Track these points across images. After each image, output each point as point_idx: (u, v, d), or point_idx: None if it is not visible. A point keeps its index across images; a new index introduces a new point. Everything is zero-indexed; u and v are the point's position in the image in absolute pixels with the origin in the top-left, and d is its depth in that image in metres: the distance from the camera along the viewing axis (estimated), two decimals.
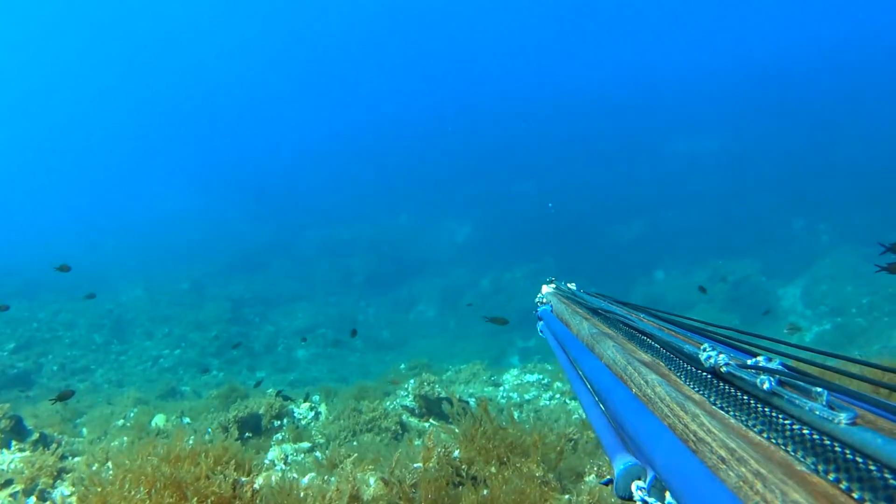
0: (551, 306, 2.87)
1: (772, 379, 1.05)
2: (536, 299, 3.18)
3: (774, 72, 57.26)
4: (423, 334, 28.90)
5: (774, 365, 1.12)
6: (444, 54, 74.35)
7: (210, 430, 10.02)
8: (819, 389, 0.97)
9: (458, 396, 10.20)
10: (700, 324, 1.81)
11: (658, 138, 50.49)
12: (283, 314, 29.65)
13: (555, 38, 71.19)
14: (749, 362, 1.17)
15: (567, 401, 12.93)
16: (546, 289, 3.27)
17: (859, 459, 0.79)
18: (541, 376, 14.47)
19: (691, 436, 1.03)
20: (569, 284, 3.37)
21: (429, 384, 11.49)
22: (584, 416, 11.50)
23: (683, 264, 31.68)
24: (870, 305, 23.16)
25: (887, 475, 0.74)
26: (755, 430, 1.01)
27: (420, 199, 46.31)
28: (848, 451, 0.82)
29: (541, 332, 2.79)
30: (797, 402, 0.98)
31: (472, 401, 12.55)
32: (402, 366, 16.78)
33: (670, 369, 1.43)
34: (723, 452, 0.92)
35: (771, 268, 28.60)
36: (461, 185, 48.72)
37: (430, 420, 11.11)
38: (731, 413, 1.10)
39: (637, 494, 1.13)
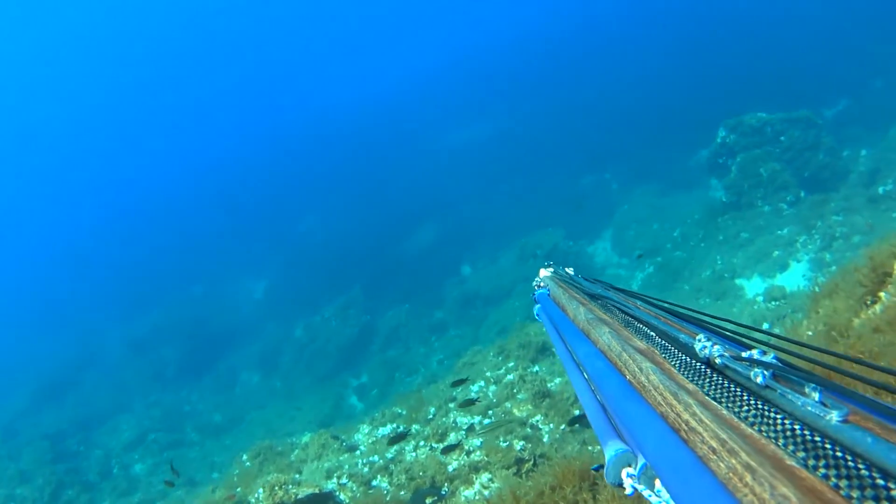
0: (548, 290, 2.90)
1: (765, 372, 1.07)
2: (534, 283, 3.20)
3: (532, 47, 58.93)
4: (255, 404, 27.60)
5: (769, 359, 1.14)
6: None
7: None
8: (812, 385, 0.99)
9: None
10: (696, 314, 1.82)
11: (429, 137, 50.40)
12: (108, 432, 27.92)
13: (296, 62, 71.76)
14: (744, 355, 1.19)
15: (434, 445, 11.89)
16: (544, 272, 3.30)
17: (849, 457, 0.82)
18: (394, 425, 13.56)
19: (683, 425, 1.06)
20: (567, 269, 3.37)
21: (280, 486, 10.50)
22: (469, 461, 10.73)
23: (489, 252, 31.21)
24: (682, 236, 23.41)
25: (875, 475, 0.77)
26: (747, 422, 1.03)
27: (210, 267, 44.38)
28: (838, 449, 0.85)
29: (537, 315, 2.82)
30: (790, 396, 1.00)
31: (332, 483, 11.85)
32: (244, 456, 15.21)
33: (665, 358, 1.45)
34: (714, 443, 0.94)
35: (574, 230, 28.37)
36: (244, 240, 46.77)
37: None
38: (724, 404, 1.11)
39: (627, 481, 1.17)
